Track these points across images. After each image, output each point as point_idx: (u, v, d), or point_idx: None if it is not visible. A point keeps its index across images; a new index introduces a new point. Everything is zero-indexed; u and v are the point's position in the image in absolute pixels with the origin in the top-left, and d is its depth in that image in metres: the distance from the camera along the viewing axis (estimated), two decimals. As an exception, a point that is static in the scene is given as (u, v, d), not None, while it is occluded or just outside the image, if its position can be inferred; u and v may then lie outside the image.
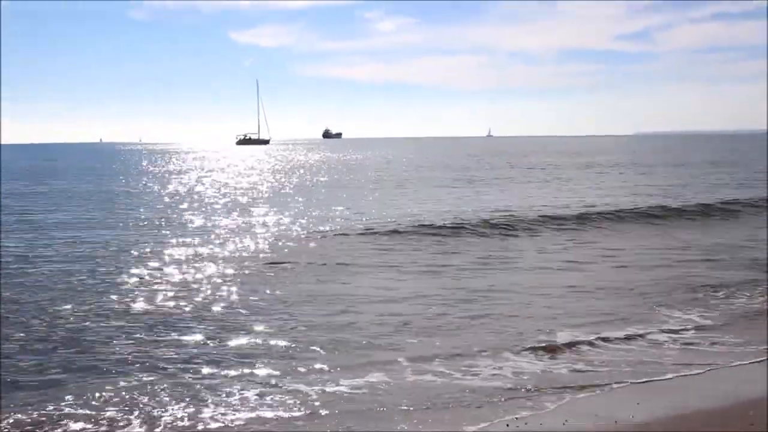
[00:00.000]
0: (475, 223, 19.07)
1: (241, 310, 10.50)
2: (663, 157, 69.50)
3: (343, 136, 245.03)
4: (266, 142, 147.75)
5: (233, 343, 8.98)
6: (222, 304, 10.85)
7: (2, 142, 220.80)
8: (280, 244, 16.54)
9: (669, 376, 8.02)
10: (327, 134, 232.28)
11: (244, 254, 15.16)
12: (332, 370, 7.98)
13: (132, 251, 15.33)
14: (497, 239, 17.49)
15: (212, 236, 17.78)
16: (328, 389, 7.44)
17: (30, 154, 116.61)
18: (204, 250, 15.53)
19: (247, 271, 13.35)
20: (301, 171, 51.88)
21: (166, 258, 14.58)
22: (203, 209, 24.81)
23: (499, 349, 8.73)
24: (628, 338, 9.35)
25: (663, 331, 9.65)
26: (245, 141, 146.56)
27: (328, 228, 18.85)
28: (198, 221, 20.98)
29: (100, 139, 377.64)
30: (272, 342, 9.02)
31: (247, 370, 7.98)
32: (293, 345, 8.90)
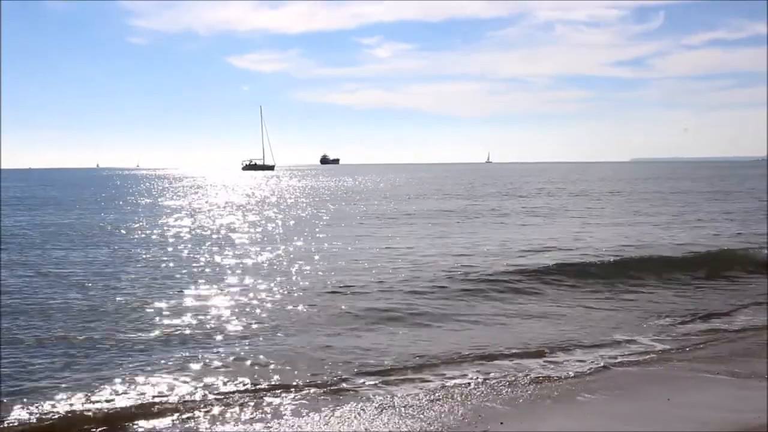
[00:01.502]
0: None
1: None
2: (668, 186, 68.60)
3: (340, 161, 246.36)
4: (271, 167, 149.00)
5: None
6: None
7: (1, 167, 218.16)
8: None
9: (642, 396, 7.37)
10: (324, 160, 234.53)
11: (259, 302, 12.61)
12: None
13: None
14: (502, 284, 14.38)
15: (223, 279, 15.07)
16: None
17: (25, 180, 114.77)
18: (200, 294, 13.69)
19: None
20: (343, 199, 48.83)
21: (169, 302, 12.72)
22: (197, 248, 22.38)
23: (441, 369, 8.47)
24: (581, 360, 9.00)
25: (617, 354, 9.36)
26: (250, 167, 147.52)
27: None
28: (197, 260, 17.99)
29: (97, 165, 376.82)
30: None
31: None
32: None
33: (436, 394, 7.58)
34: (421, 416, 6.92)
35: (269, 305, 12.08)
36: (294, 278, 14.87)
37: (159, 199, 49.34)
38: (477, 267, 15.80)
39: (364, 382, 8.05)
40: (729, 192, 50.19)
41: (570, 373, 8.47)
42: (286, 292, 13.17)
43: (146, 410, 7.13)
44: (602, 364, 8.86)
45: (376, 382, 8.06)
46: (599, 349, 9.62)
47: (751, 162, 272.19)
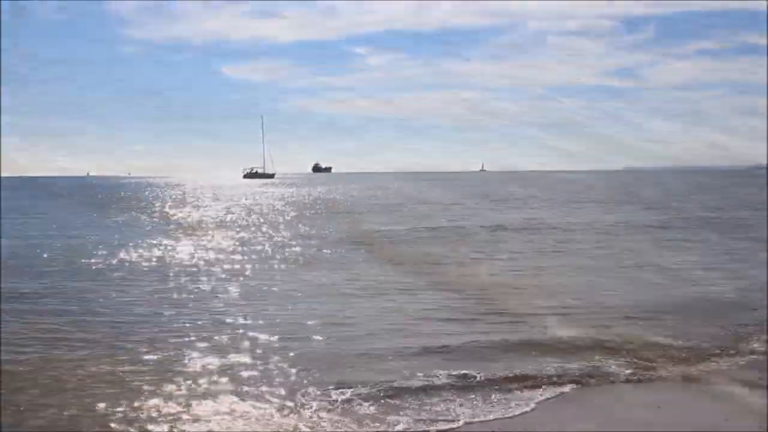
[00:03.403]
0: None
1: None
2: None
3: (332, 170, 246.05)
4: (271, 176, 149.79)
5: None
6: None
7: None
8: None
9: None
10: (317, 168, 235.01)
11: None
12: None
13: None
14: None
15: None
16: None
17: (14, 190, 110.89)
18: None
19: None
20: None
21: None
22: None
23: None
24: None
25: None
26: (252, 175, 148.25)
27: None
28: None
29: (87, 173, 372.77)
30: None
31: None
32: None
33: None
34: None
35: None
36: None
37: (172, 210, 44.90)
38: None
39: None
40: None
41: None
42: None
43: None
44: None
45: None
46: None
47: (747, 170, 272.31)
